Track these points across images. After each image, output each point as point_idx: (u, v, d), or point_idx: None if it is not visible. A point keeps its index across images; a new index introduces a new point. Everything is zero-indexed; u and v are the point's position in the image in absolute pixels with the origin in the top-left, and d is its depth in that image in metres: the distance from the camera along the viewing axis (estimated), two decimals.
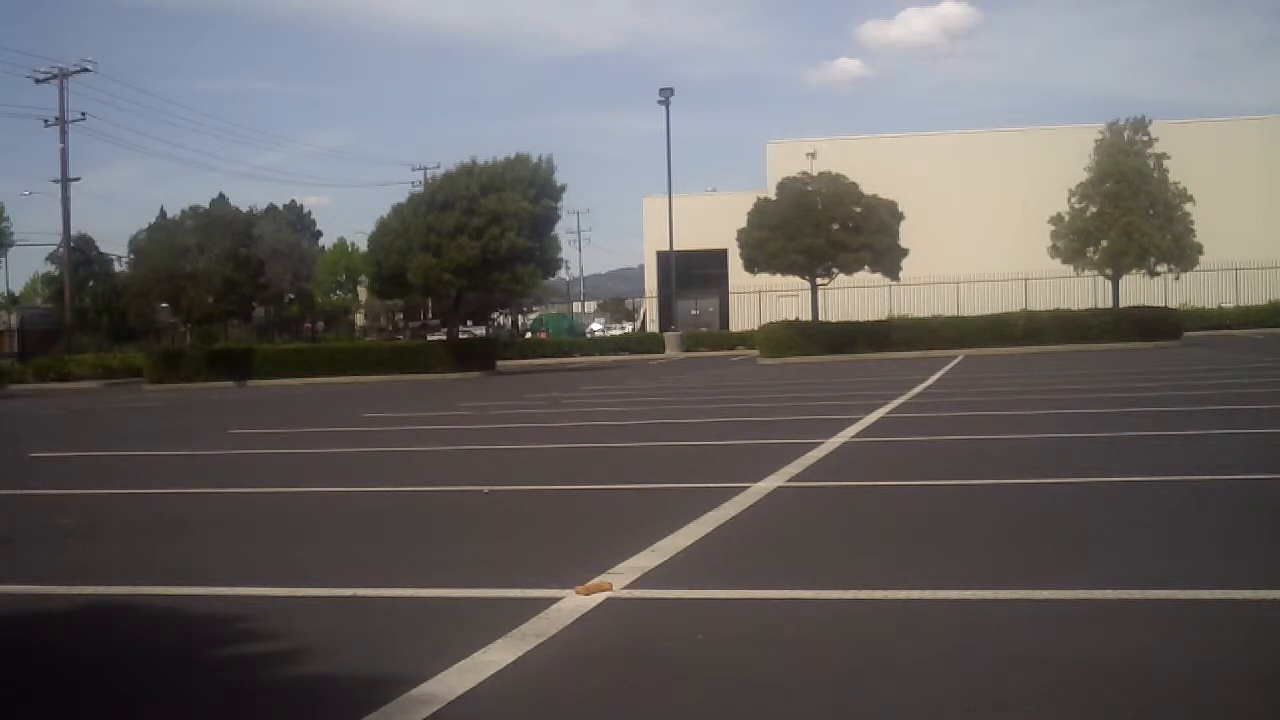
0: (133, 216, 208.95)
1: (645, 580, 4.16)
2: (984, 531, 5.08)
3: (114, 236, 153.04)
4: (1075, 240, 36.80)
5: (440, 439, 11.42)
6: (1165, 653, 3.10)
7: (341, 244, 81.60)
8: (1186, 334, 33.86)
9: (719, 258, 54.37)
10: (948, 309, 45.27)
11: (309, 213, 72.90)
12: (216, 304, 35.04)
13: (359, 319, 72.84)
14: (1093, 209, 36.57)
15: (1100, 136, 37.71)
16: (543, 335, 63.26)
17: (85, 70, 45.00)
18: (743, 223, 36.17)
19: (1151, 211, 35.54)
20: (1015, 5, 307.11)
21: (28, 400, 27.23)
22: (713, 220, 51.29)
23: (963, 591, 3.82)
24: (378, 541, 5.46)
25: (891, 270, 34.86)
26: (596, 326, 77.74)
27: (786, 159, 49.19)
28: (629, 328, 69.22)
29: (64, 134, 44.47)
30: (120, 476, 9.08)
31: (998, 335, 32.46)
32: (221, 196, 52.20)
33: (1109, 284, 37.62)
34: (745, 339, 44.28)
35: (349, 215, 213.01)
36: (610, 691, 2.95)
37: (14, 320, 53.21)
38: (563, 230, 42.43)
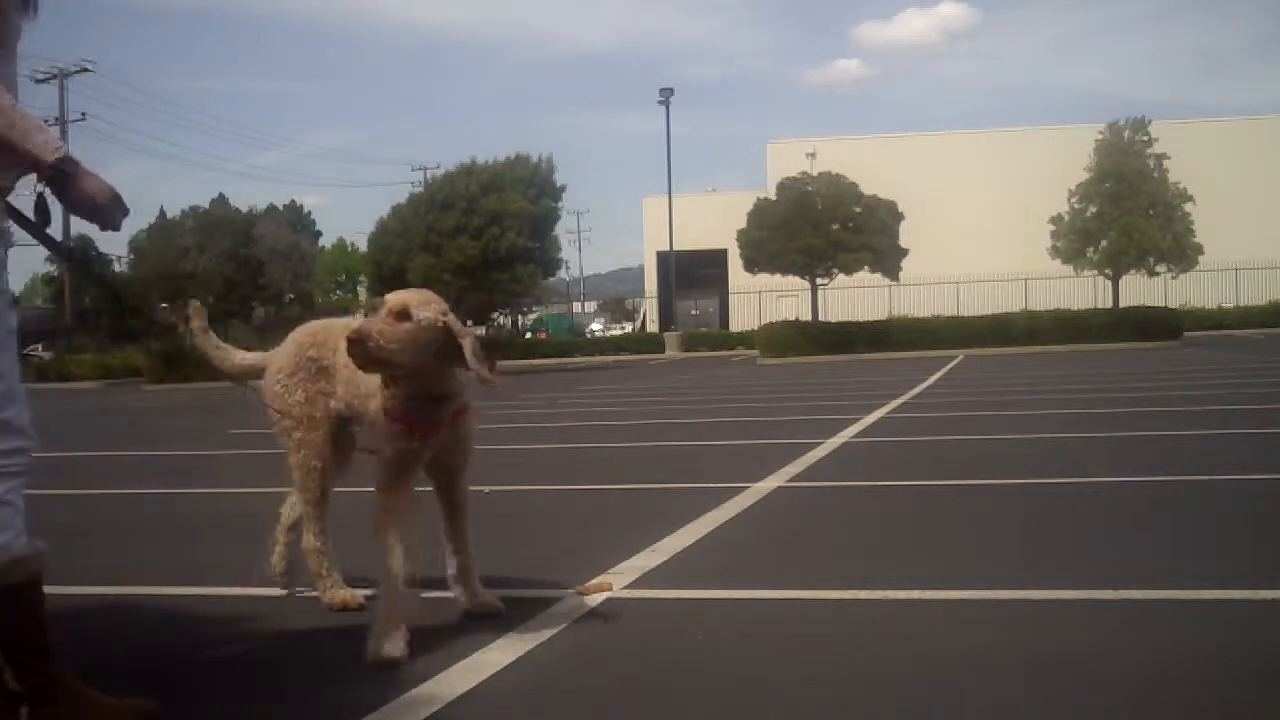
0: (133, 216, 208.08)
1: (645, 580, 4.16)
2: (984, 531, 5.08)
3: (114, 236, 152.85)
4: (1075, 240, 36.84)
5: None
6: (1166, 653, 3.09)
7: (341, 244, 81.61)
8: (1186, 334, 33.82)
9: (719, 258, 54.35)
10: (948, 309, 45.23)
11: (309, 213, 72.89)
12: (216, 304, 35.08)
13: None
14: (1093, 209, 36.62)
15: (1100, 137, 37.75)
16: (542, 335, 63.24)
17: (85, 70, 45.07)
18: (743, 223, 36.20)
19: (1151, 211, 35.59)
20: (1015, 5, 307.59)
21: (27, 400, 27.18)
22: (713, 220, 51.27)
23: (963, 592, 3.82)
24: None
25: (891, 270, 34.89)
26: (596, 327, 77.66)
27: (786, 159, 49.15)
28: (629, 328, 69.16)
29: (64, 134, 44.35)
30: (120, 476, 9.08)
31: (998, 336, 32.44)
32: (221, 196, 52.13)
33: (1109, 284, 37.65)
34: (745, 339, 44.23)
35: (349, 215, 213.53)
36: (610, 691, 2.95)
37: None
38: (563, 230, 42.52)
